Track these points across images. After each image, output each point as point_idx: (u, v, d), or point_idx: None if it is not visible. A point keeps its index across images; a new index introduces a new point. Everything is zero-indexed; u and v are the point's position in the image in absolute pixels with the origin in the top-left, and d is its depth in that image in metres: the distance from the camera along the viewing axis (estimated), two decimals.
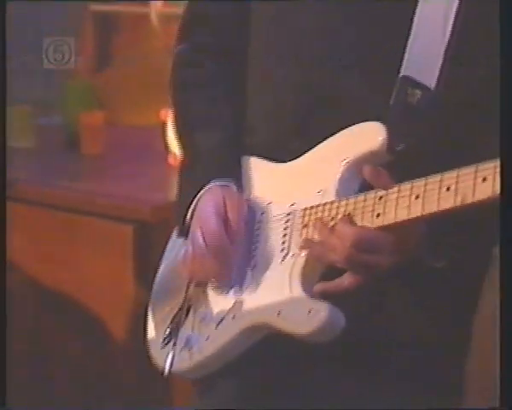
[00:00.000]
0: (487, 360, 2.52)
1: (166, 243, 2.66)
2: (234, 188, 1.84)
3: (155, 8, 4.43)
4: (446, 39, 1.76)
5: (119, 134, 3.86)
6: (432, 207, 1.54)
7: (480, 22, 1.79)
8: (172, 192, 3.20)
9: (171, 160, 3.40)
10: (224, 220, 1.79)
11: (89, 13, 4.73)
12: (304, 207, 1.75)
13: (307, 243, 1.72)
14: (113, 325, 3.15)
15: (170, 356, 1.83)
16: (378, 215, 1.63)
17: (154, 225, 2.98)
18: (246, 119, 1.96)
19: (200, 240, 1.78)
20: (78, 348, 3.22)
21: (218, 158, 1.93)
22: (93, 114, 3.89)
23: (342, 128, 1.74)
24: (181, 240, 1.91)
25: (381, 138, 1.67)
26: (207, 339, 1.81)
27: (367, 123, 1.70)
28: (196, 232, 1.78)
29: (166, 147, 3.46)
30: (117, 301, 3.14)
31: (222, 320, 1.82)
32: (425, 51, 1.79)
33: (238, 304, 1.82)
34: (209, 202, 1.83)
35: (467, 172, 1.49)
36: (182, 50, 2.11)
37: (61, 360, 3.33)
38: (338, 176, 1.71)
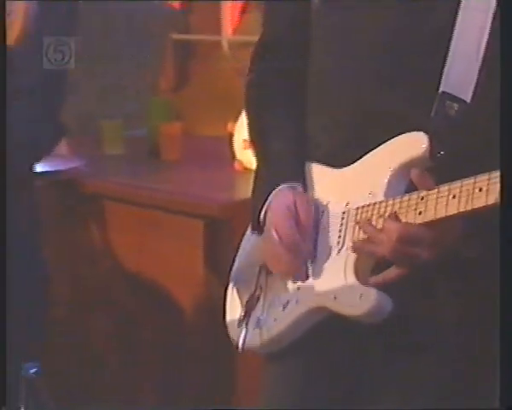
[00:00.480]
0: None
1: (233, 235, 2.82)
2: (301, 190, 1.91)
3: (226, 37, 4.53)
4: (480, 56, 1.80)
5: (193, 143, 3.94)
6: (466, 206, 1.61)
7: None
8: (236, 193, 3.40)
9: (235, 165, 3.49)
10: (296, 219, 1.85)
11: (170, 41, 4.82)
12: (356, 206, 1.80)
13: (357, 243, 1.80)
14: (186, 303, 3.23)
15: (243, 334, 1.92)
16: (420, 213, 1.69)
17: (221, 220, 3.07)
18: (308, 131, 2.01)
19: (276, 237, 1.85)
20: (158, 323, 3.32)
21: (286, 164, 1.99)
22: (172, 125, 4.00)
23: (390, 138, 1.81)
24: (254, 235, 2.00)
25: (424, 146, 1.72)
26: (275, 320, 1.90)
27: (412, 133, 1.76)
28: (271, 230, 1.85)
29: (232, 154, 3.50)
30: (189, 283, 3.20)
31: (287, 304, 1.90)
32: (461, 68, 1.82)
33: (301, 290, 1.89)
34: (282, 202, 1.88)
35: (496, 174, 1.55)
36: (253, 74, 2.18)
37: (147, 334, 3.41)
38: (386, 179, 1.77)
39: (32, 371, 3.43)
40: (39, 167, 3.06)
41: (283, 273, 1.89)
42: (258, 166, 2.05)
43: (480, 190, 1.59)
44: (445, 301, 1.90)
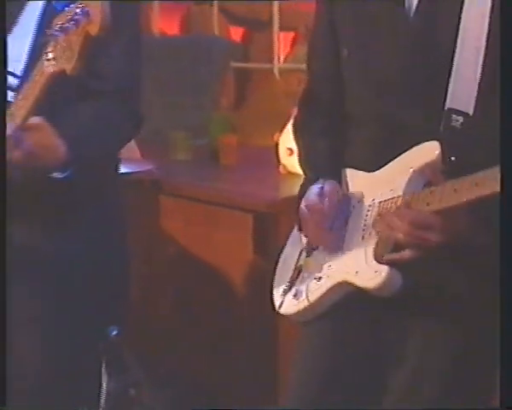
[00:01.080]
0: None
1: (277, 226, 3.05)
2: (338, 187, 2.01)
3: (277, 65, 4.66)
4: (479, 74, 1.85)
5: (246, 151, 4.04)
6: (466, 197, 1.68)
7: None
8: (280, 192, 3.52)
9: (280, 169, 3.59)
10: (323, 199, 1.96)
11: (231, 68, 5.01)
12: (379, 200, 1.91)
13: (377, 228, 1.88)
14: (237, 281, 3.33)
15: (285, 303, 2.07)
16: (428, 204, 1.77)
17: (267, 214, 3.18)
18: (346, 145, 2.10)
19: (305, 210, 1.99)
20: (213, 300, 3.40)
21: (326, 168, 2.10)
22: (229, 136, 4.11)
23: (409, 147, 1.89)
24: (296, 230, 2.13)
25: (436, 152, 1.81)
26: (310, 292, 1.99)
27: (427, 142, 1.84)
28: (303, 208, 2.00)
29: (278, 160, 3.57)
30: (241, 267, 3.30)
31: (320, 279, 1.99)
32: (464, 85, 1.87)
33: (331, 267, 1.98)
34: (313, 188, 2.01)
35: (491, 171, 1.63)
36: (300, 111, 2.28)
37: (203, 309, 3.50)
38: (407, 178, 1.86)
39: (114, 333, 3.43)
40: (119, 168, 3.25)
41: (316, 242, 2.01)
42: (305, 175, 2.17)
43: (477, 184, 1.67)
44: (452, 279, 1.94)
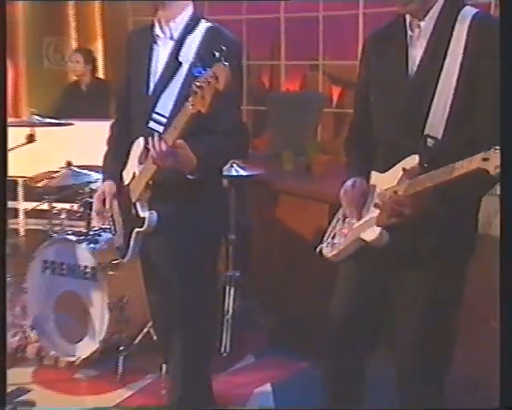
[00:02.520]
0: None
1: None
2: (364, 182, 2.11)
3: None
4: (446, 114, 1.94)
5: (332, 165, 4.17)
6: (424, 186, 1.82)
7: (471, 92, 1.94)
8: None
9: None
10: (354, 188, 2.10)
11: (328, 113, 5.13)
12: (382, 189, 2.01)
13: (377, 206, 1.97)
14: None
15: (328, 249, 2.20)
16: (405, 191, 1.87)
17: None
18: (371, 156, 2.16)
19: (342, 195, 2.13)
20: (305, 259, 3.24)
21: (361, 172, 2.16)
22: (321, 157, 4.37)
23: (403, 157, 1.96)
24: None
25: (416, 161, 1.92)
26: (340, 242, 2.15)
27: (412, 155, 1.93)
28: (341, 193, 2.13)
29: None
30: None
31: (346, 235, 2.13)
32: (436, 120, 1.96)
33: (354, 227, 2.09)
34: (348, 181, 2.13)
35: (447, 167, 1.74)
36: (349, 135, 2.33)
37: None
38: (398, 177, 1.96)
39: (237, 274, 3.55)
40: (232, 172, 3.49)
41: (349, 212, 2.12)
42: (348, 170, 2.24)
43: (431, 178, 1.80)
44: (422, 238, 2.01)
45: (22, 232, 4.52)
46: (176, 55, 2.30)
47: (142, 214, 2.33)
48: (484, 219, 2.59)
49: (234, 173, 3.52)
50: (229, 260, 3.67)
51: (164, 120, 2.28)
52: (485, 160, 1.66)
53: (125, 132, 2.47)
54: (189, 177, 2.22)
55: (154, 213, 2.32)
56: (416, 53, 2.01)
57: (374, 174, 2.13)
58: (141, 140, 2.31)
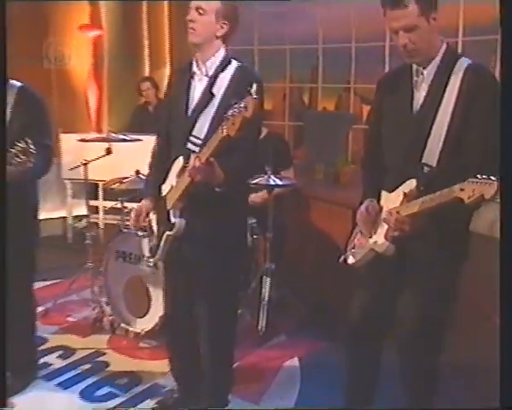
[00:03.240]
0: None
1: None
2: (376, 204, 2.18)
3: None
4: (440, 148, 2.00)
5: (357, 175, 3.99)
6: (414, 209, 1.92)
7: (464, 130, 1.97)
8: None
9: None
10: (367, 210, 2.17)
11: (357, 129, 4.91)
12: (389, 208, 2.07)
13: (385, 221, 2.04)
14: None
15: (349, 258, 2.26)
16: (406, 211, 1.95)
17: None
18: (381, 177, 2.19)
19: (358, 216, 2.20)
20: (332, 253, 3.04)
21: (374, 191, 2.22)
22: (347, 168, 4.45)
23: (404, 181, 2.04)
24: None
25: (414, 185, 2.01)
26: (359, 254, 2.19)
27: (411, 179, 2.01)
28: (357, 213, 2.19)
29: None
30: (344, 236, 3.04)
31: (363, 247, 2.18)
32: (431, 151, 2.02)
33: (370, 241, 2.14)
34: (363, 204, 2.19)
35: (445, 192, 1.79)
36: (363, 157, 2.38)
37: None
38: (401, 198, 2.04)
39: (273, 266, 3.56)
40: (271, 182, 3.50)
41: (363, 229, 2.19)
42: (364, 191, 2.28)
43: (423, 202, 1.89)
44: (420, 249, 2.06)
45: (101, 226, 4.73)
46: (210, 88, 2.33)
47: (173, 220, 2.35)
48: (489, 222, 2.66)
49: (272, 183, 3.53)
50: (266, 254, 3.63)
51: (199, 142, 2.31)
52: (461, 190, 1.74)
53: (165, 149, 2.49)
54: (217, 189, 2.24)
55: (183, 220, 2.33)
56: (420, 95, 2.07)
57: (383, 194, 2.17)
58: (181, 159, 2.34)
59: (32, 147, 2.33)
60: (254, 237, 3.66)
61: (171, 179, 2.40)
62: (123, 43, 6.09)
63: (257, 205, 3.65)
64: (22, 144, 2.33)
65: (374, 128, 2.28)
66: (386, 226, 2.05)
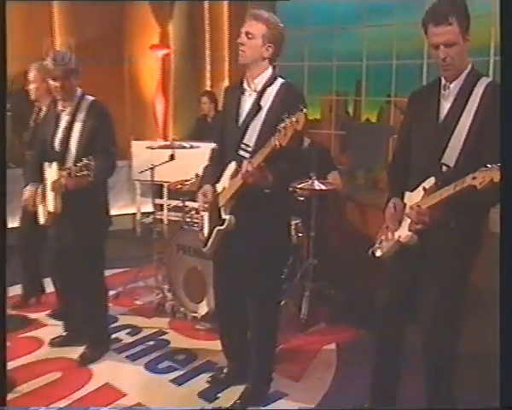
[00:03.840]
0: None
1: None
2: (401, 201, 2.21)
3: None
4: (458, 150, 2.04)
5: None
6: (441, 197, 1.94)
7: (482, 135, 2.01)
8: None
9: None
10: (394, 208, 2.21)
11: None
12: (411, 204, 2.11)
13: (408, 215, 2.08)
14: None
15: (377, 251, 2.29)
16: (425, 204, 2.00)
17: None
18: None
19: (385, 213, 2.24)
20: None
21: (398, 192, 2.25)
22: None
23: (426, 179, 2.07)
24: None
25: (433, 182, 2.06)
26: (387, 246, 2.22)
27: (430, 177, 2.06)
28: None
29: None
30: None
31: (390, 238, 2.21)
32: (450, 153, 2.06)
33: (394, 234, 2.18)
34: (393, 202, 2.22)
35: (459, 182, 1.85)
36: (392, 161, 2.43)
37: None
38: (421, 195, 2.08)
39: (315, 262, 3.66)
40: (315, 186, 3.53)
41: (389, 224, 2.22)
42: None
43: (441, 194, 1.93)
44: (440, 239, 2.07)
45: (166, 222, 4.80)
46: (258, 101, 2.41)
47: (224, 216, 2.43)
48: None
49: (316, 187, 3.57)
50: (309, 251, 3.66)
51: (249, 149, 2.38)
52: (474, 178, 1.79)
53: (220, 155, 2.57)
54: (266, 190, 2.32)
55: (233, 217, 2.41)
56: (445, 106, 2.12)
57: (406, 194, 2.21)
58: (233, 163, 2.43)
59: (92, 163, 2.53)
60: (299, 235, 3.70)
61: (224, 181, 2.47)
62: (187, 60, 6.26)
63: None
64: (85, 161, 2.54)
65: (403, 137, 2.31)
66: (409, 220, 2.09)
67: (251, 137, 2.41)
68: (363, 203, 4.00)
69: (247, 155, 2.38)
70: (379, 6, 5.31)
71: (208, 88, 6.27)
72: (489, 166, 1.77)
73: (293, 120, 2.07)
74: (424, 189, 2.07)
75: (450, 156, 2.07)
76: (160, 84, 6.11)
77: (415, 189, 2.15)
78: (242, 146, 2.42)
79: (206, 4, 6.24)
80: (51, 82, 2.85)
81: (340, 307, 3.64)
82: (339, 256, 3.88)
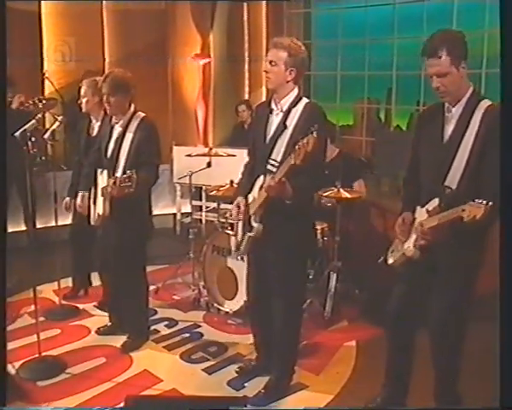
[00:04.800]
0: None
1: None
2: (411, 215, 2.30)
3: None
4: (462, 168, 2.13)
5: None
6: (442, 220, 2.04)
7: (483, 157, 2.07)
8: None
9: None
10: (403, 220, 2.31)
11: None
12: (417, 221, 2.23)
13: (415, 230, 2.18)
14: None
15: (388, 260, 2.42)
16: (427, 224, 2.11)
17: None
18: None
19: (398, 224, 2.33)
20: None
21: (410, 205, 2.34)
22: None
23: (432, 198, 2.17)
24: None
25: (437, 202, 2.17)
26: (400, 253, 2.32)
27: (434, 199, 2.17)
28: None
29: None
30: None
31: (394, 252, 2.36)
32: (452, 177, 2.15)
33: (403, 245, 2.27)
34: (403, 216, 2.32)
35: (454, 210, 1.95)
36: (406, 177, 2.48)
37: None
38: (425, 215, 2.19)
39: (340, 264, 3.71)
40: (342, 195, 3.57)
41: (399, 236, 2.34)
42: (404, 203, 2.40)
43: (439, 219, 2.03)
44: (441, 254, 2.17)
45: (204, 222, 4.95)
46: (284, 121, 2.55)
47: (253, 224, 2.60)
48: None
49: (342, 196, 3.63)
50: (334, 254, 3.74)
51: (276, 164, 2.53)
52: (463, 210, 1.88)
53: (251, 169, 2.74)
54: (287, 202, 2.45)
55: (261, 225, 2.57)
56: (449, 128, 2.21)
57: (418, 209, 2.31)
58: (261, 177, 2.59)
59: (134, 176, 2.73)
60: (325, 239, 3.82)
61: (254, 192, 2.65)
62: (227, 69, 6.46)
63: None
64: (129, 173, 2.76)
65: (414, 154, 2.39)
66: (414, 236, 2.20)
67: (278, 154, 2.54)
68: (386, 209, 4.01)
69: (274, 169, 2.52)
70: (409, 19, 5.40)
71: (246, 95, 6.46)
72: (476, 201, 1.85)
73: (304, 142, 2.21)
74: (427, 210, 2.18)
75: (453, 178, 2.15)
76: (201, 91, 6.32)
77: (424, 205, 2.24)
78: (270, 162, 2.56)
79: (246, 15, 6.44)
80: (104, 98, 3.07)
81: (363, 307, 3.71)
82: (362, 259, 3.83)
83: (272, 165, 2.54)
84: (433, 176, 2.21)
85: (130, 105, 3.11)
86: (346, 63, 6.04)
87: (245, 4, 6.40)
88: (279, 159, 2.51)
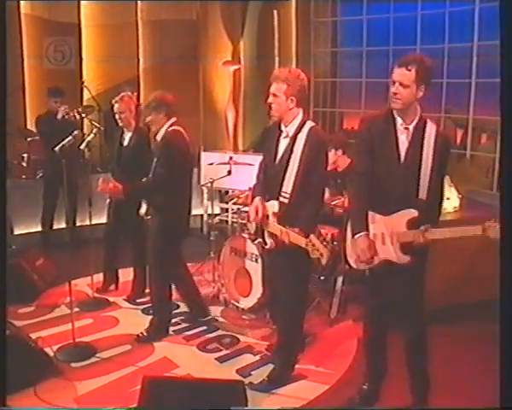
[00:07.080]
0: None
1: None
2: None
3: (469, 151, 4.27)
4: (426, 187, 2.35)
5: None
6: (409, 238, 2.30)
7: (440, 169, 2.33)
8: None
9: None
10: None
11: None
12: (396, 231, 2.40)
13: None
14: None
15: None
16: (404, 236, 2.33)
17: None
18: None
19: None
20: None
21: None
22: None
23: (404, 208, 2.35)
24: None
25: (415, 214, 2.37)
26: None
27: (411, 209, 2.37)
28: None
29: None
30: None
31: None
32: (423, 190, 2.36)
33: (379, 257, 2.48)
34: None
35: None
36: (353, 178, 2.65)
37: None
38: (404, 225, 2.39)
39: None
40: (341, 203, 3.82)
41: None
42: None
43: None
44: (420, 261, 2.39)
45: (230, 223, 5.24)
46: (291, 147, 2.82)
47: (267, 240, 2.93)
48: None
49: (347, 205, 3.42)
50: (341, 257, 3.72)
51: (287, 196, 2.82)
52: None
53: (263, 180, 2.99)
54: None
55: (274, 242, 2.86)
56: (403, 145, 2.43)
57: (377, 216, 2.50)
58: (275, 204, 2.84)
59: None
60: (335, 243, 3.98)
61: (270, 213, 2.92)
62: (256, 74, 6.77)
63: None
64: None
65: (365, 163, 2.53)
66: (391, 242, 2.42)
67: (288, 186, 2.79)
68: None
69: (286, 201, 2.80)
70: (431, 29, 5.64)
71: None
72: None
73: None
74: (407, 221, 2.40)
75: (423, 192, 2.39)
76: (231, 97, 6.63)
77: (392, 213, 2.43)
78: (282, 194, 2.82)
79: (276, 22, 6.74)
80: (148, 119, 3.45)
81: (368, 308, 3.69)
82: None
83: (284, 197, 2.82)
84: (397, 186, 2.47)
85: (168, 119, 3.43)
86: (370, 70, 6.28)
87: (275, 12, 6.69)
88: (289, 191, 2.79)
